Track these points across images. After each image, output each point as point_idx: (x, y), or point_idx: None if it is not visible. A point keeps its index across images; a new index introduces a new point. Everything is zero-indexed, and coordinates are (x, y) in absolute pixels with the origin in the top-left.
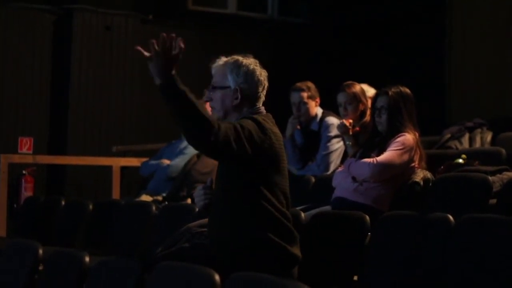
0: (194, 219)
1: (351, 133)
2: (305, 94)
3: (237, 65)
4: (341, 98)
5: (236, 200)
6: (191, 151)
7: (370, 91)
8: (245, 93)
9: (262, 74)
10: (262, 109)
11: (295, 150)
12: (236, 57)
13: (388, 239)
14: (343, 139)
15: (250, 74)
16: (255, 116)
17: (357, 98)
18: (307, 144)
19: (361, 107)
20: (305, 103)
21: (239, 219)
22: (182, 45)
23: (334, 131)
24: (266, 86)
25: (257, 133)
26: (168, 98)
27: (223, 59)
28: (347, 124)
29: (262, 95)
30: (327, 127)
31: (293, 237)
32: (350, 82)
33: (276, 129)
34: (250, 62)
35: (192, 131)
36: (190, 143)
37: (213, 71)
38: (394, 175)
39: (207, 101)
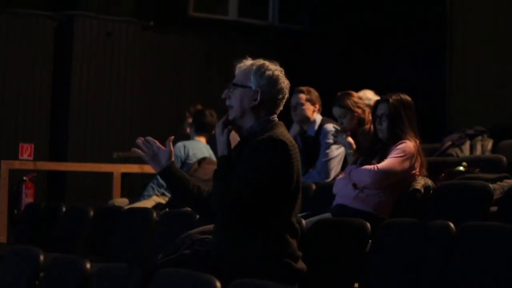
0: (195, 225)
1: (351, 140)
2: (303, 96)
3: (263, 68)
4: (335, 112)
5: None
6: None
7: (374, 99)
8: (265, 97)
9: (285, 83)
10: (275, 117)
11: None
12: (262, 61)
13: (389, 246)
14: (344, 147)
15: (273, 80)
16: (281, 138)
17: (350, 109)
18: (306, 150)
19: (356, 115)
20: (302, 104)
21: (244, 232)
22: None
23: (333, 138)
24: (286, 97)
25: (281, 163)
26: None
27: (249, 60)
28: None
29: (281, 103)
30: (326, 134)
31: (298, 255)
32: (343, 93)
33: (291, 139)
34: (276, 68)
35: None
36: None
37: (236, 71)
38: (395, 182)
39: (224, 98)
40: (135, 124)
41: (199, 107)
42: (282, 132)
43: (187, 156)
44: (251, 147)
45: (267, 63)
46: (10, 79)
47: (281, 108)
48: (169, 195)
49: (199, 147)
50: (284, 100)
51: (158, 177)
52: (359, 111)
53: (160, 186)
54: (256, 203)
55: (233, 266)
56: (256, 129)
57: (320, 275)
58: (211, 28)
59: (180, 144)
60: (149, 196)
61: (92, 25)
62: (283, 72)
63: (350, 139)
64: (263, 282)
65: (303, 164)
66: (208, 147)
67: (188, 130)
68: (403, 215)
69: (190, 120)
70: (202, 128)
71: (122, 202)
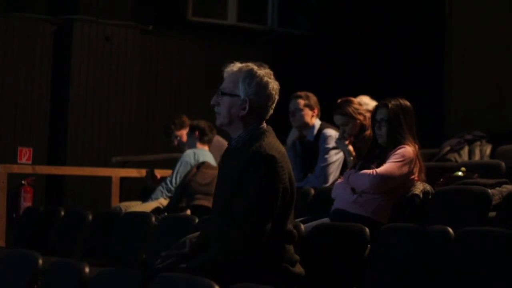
0: (194, 230)
1: (351, 148)
2: (301, 101)
3: (251, 75)
4: (336, 120)
5: None
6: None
7: (371, 104)
8: (254, 105)
9: (274, 87)
10: (264, 124)
11: (296, 158)
12: (251, 65)
13: (387, 251)
14: (344, 154)
15: (262, 87)
16: (270, 152)
17: (352, 117)
18: (305, 155)
19: (358, 122)
20: (300, 110)
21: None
22: None
23: (332, 143)
24: (276, 100)
25: (277, 182)
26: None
27: (237, 65)
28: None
29: (271, 109)
30: (325, 139)
31: (295, 259)
32: (342, 100)
33: (280, 146)
34: (265, 73)
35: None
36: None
37: (225, 75)
38: (394, 187)
39: (213, 105)
40: (134, 128)
41: (184, 118)
42: (270, 142)
43: (197, 161)
44: (243, 165)
45: (255, 68)
46: (9, 82)
47: (271, 112)
48: None
49: (206, 154)
50: (274, 104)
51: (167, 181)
52: (361, 117)
53: (168, 190)
54: (265, 224)
55: (232, 271)
56: (245, 138)
57: (318, 279)
58: (210, 33)
59: (189, 152)
60: (157, 199)
61: (91, 29)
62: (272, 76)
63: (350, 147)
64: (261, 286)
65: (302, 169)
66: (211, 155)
67: (175, 142)
68: (402, 220)
69: (177, 133)
70: (205, 139)
71: (135, 204)
